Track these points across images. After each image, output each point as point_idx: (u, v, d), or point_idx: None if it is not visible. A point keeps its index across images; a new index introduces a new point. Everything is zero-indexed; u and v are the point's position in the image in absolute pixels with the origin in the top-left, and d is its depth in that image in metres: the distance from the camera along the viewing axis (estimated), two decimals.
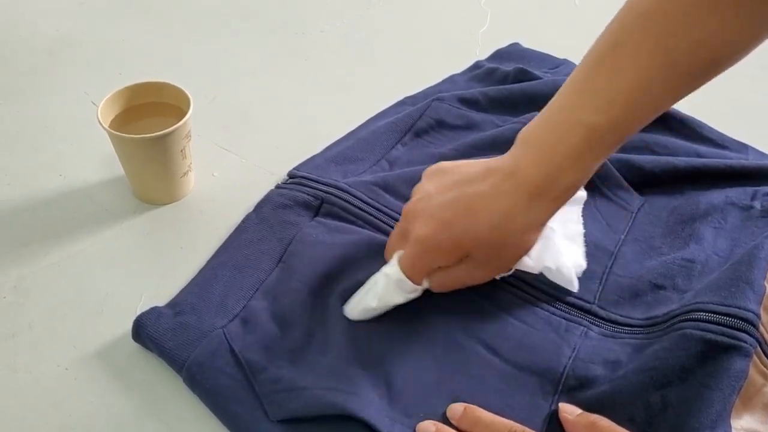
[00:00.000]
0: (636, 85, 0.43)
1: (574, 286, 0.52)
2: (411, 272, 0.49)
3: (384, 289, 0.49)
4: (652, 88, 0.44)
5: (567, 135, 0.45)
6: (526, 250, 0.49)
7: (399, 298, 0.50)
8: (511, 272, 0.53)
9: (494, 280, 0.53)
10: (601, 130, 0.44)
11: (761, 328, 0.45)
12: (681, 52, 0.43)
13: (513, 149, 0.48)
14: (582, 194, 0.55)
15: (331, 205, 0.59)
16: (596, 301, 0.52)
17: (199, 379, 0.47)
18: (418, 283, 0.49)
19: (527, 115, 0.66)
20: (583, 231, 0.55)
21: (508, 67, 0.75)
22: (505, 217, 0.46)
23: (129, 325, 0.51)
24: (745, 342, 0.43)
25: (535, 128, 0.47)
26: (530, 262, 0.51)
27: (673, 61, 0.43)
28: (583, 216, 0.57)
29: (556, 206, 0.48)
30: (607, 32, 0.46)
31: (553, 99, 0.47)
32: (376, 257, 0.54)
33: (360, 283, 0.52)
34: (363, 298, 0.50)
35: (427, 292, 0.51)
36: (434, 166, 0.53)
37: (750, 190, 0.59)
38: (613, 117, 0.44)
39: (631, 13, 0.45)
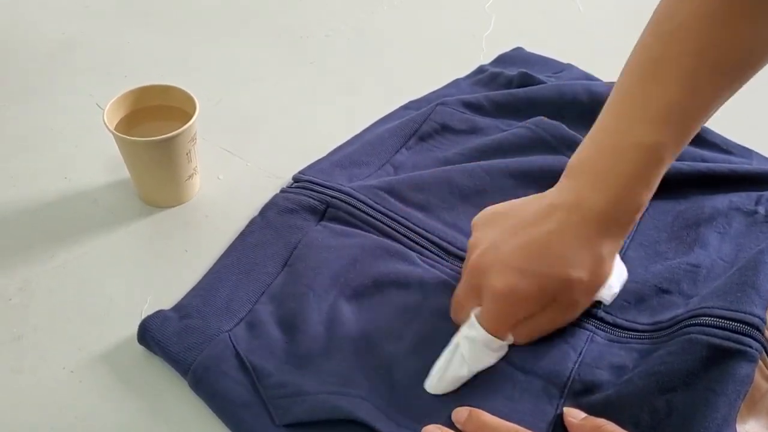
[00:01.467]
0: (685, 94, 0.43)
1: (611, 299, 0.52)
2: (495, 330, 0.46)
3: (471, 353, 0.47)
4: (701, 94, 0.43)
5: (627, 158, 0.44)
6: (605, 280, 0.48)
7: (489, 360, 0.47)
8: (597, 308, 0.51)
9: None
10: (663, 147, 0.44)
11: (767, 333, 0.45)
12: (723, 57, 0.42)
13: (568, 181, 0.47)
14: None
15: (337, 210, 0.59)
16: (602, 306, 0.52)
17: (204, 383, 0.47)
18: (504, 339, 0.47)
19: (532, 120, 0.66)
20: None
21: (512, 71, 0.75)
22: (584, 252, 0.45)
23: (134, 328, 0.51)
24: (751, 347, 0.43)
25: (588, 156, 0.46)
26: (604, 292, 0.49)
27: (716, 66, 0.43)
28: None
29: (628, 230, 0.46)
30: (643, 47, 0.45)
31: (599, 121, 0.46)
32: (381, 261, 0.54)
33: (366, 288, 0.52)
34: (449, 368, 0.47)
35: (429, 296, 0.51)
36: (486, 213, 0.50)
37: (754, 195, 0.59)
38: (670, 131, 0.43)
39: (666, 23, 0.44)
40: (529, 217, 0.47)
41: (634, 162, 0.44)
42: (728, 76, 0.44)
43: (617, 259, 0.52)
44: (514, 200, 0.50)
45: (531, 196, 0.49)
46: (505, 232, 0.47)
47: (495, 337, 0.46)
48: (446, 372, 0.47)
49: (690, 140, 0.46)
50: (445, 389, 0.47)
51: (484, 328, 0.46)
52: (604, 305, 0.51)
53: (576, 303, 0.48)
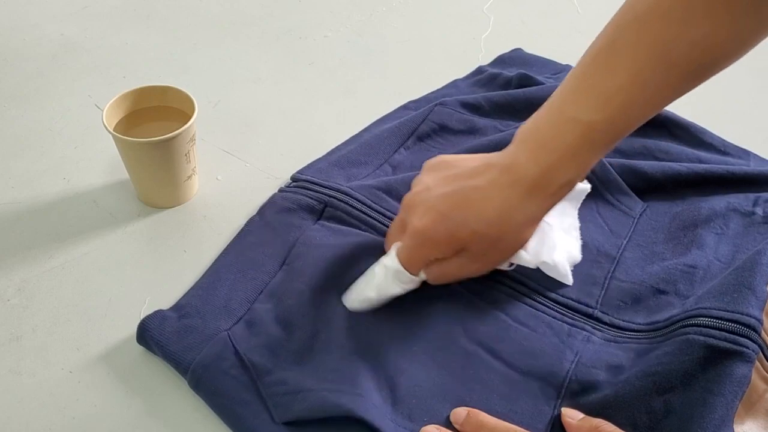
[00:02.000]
0: (632, 84, 0.44)
1: (569, 280, 0.53)
2: (408, 263, 0.50)
3: (382, 280, 0.50)
4: (648, 87, 0.44)
5: (564, 132, 0.46)
6: (521, 244, 0.50)
7: (396, 289, 0.51)
8: (511, 267, 0.53)
9: (496, 283, 0.53)
10: (598, 128, 0.45)
11: (763, 334, 0.45)
12: (676, 54, 0.43)
13: (511, 145, 0.49)
14: (584, 188, 0.55)
15: (335, 209, 0.59)
16: (598, 306, 0.53)
17: (204, 382, 0.47)
18: (415, 275, 0.50)
19: None
20: (579, 225, 0.56)
21: (511, 72, 0.75)
22: (502, 211, 0.47)
23: (133, 329, 0.51)
24: (748, 348, 0.43)
25: (532, 125, 0.48)
26: (527, 257, 0.52)
27: (668, 62, 0.44)
28: (585, 221, 0.58)
29: (552, 202, 0.48)
30: (604, 33, 0.47)
31: (551, 97, 0.48)
32: (378, 259, 0.54)
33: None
34: (362, 289, 0.51)
35: (428, 293, 0.52)
36: (435, 159, 0.53)
37: (752, 196, 0.60)
38: (610, 115, 0.45)
39: (627, 15, 0.45)
40: (466, 170, 0.49)
41: (568, 136, 0.46)
42: (680, 73, 0.44)
43: (570, 241, 0.54)
44: (465, 155, 0.53)
45: (481, 154, 0.51)
46: (441, 178, 0.50)
47: (406, 270, 0.49)
48: (359, 293, 0.51)
49: (630, 131, 0.47)
50: (356, 307, 0.51)
51: (399, 261, 0.50)
52: (596, 302, 0.53)
53: (485, 256, 0.50)
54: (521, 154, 0.48)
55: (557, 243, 0.53)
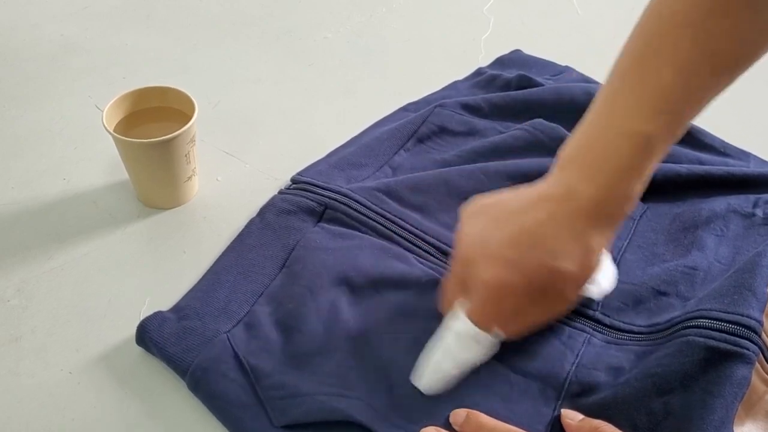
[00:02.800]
0: (680, 84, 0.42)
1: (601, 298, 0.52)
2: (483, 322, 0.45)
3: (458, 347, 0.46)
4: (696, 84, 0.42)
5: (619, 147, 0.43)
6: (591, 274, 0.46)
7: (478, 355, 0.46)
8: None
9: None
10: (655, 134, 0.42)
11: (764, 336, 0.45)
12: (720, 47, 0.42)
13: (558, 172, 0.45)
14: None
15: (335, 211, 0.59)
16: (599, 308, 0.53)
17: (202, 384, 0.47)
18: (492, 333, 0.45)
19: (530, 122, 0.66)
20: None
21: (511, 73, 0.75)
22: (577, 241, 0.43)
23: (133, 330, 0.51)
24: (748, 349, 0.43)
25: (578, 146, 0.45)
26: (593, 288, 0.49)
27: (712, 56, 0.42)
28: None
29: (617, 223, 0.45)
30: (637, 38, 0.44)
31: (591, 112, 0.45)
32: (378, 262, 0.54)
33: (364, 289, 0.52)
34: (438, 363, 0.46)
35: (425, 296, 0.52)
36: (472, 205, 0.49)
37: (752, 197, 0.60)
38: (663, 120, 0.42)
39: (659, 17, 0.43)
40: (518, 207, 0.45)
41: (626, 152, 0.43)
42: (725, 67, 0.43)
43: (608, 260, 0.51)
44: (502, 192, 0.48)
45: (521, 188, 0.47)
46: (493, 222, 0.46)
47: (483, 330, 0.45)
48: (435, 368, 0.46)
49: (683, 132, 0.45)
50: (435, 386, 0.46)
51: (471, 322, 0.45)
52: (597, 304, 0.52)
53: (565, 296, 0.46)
54: (574, 178, 0.44)
55: (605, 268, 0.50)
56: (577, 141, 0.45)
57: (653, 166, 0.44)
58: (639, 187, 0.44)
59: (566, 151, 0.46)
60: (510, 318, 0.46)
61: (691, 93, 0.43)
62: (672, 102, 0.42)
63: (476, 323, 0.45)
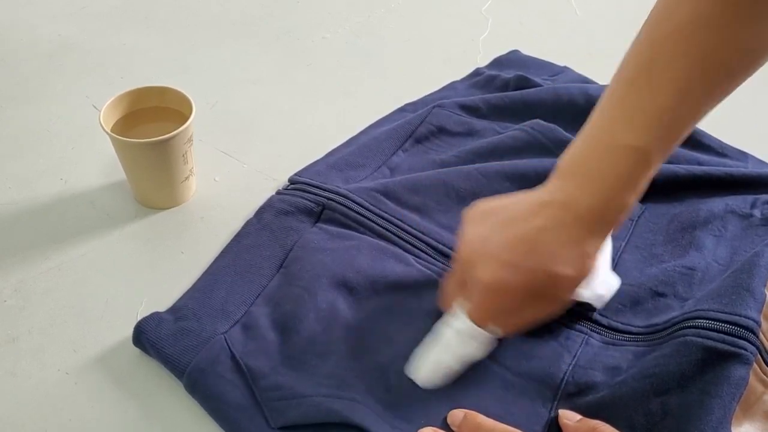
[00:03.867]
0: (679, 100, 0.43)
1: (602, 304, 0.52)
2: (482, 320, 0.46)
3: (457, 344, 0.47)
4: (694, 99, 0.43)
5: (616, 160, 0.44)
6: (585, 278, 0.47)
7: (476, 352, 0.47)
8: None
9: None
10: (650, 149, 0.43)
11: (761, 336, 0.45)
12: (721, 60, 0.42)
13: (556, 179, 0.47)
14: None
15: (333, 212, 0.59)
16: (597, 309, 0.53)
17: (200, 385, 0.47)
18: (489, 330, 0.47)
19: (528, 122, 0.66)
20: (611, 250, 0.53)
21: (509, 74, 0.75)
22: (575, 248, 0.45)
23: (130, 331, 0.51)
24: (745, 350, 0.43)
25: (579, 157, 0.46)
26: (586, 293, 0.50)
27: (713, 70, 0.42)
28: None
29: (611, 230, 0.47)
30: (638, 49, 0.45)
31: (590, 123, 0.46)
32: (376, 263, 0.54)
33: (362, 290, 0.52)
34: (437, 358, 0.47)
35: (423, 297, 0.51)
36: (474, 209, 0.50)
37: (750, 198, 0.60)
38: (660, 135, 0.43)
39: (663, 26, 0.44)
40: (519, 213, 0.47)
41: (623, 165, 0.44)
42: (721, 80, 0.43)
43: (608, 269, 0.52)
44: (504, 197, 0.50)
45: (521, 193, 0.49)
46: (495, 226, 0.47)
47: (480, 327, 0.46)
48: (434, 363, 0.47)
49: (679, 144, 0.46)
50: (432, 380, 0.47)
51: (471, 320, 0.47)
52: (596, 309, 0.51)
53: (560, 297, 0.48)
54: (574, 188, 0.45)
55: (602, 273, 0.51)
56: (575, 151, 0.46)
57: (649, 177, 0.45)
58: (634, 197, 0.45)
59: (565, 160, 0.47)
60: (507, 317, 0.47)
61: (686, 108, 0.43)
62: (668, 118, 0.43)
63: (475, 321, 0.47)
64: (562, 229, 0.45)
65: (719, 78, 0.43)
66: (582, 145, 0.46)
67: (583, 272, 0.47)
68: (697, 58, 0.42)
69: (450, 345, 0.47)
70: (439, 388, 0.47)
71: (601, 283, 0.51)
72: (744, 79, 0.44)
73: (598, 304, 0.51)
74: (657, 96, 0.43)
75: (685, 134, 0.45)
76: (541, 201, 0.46)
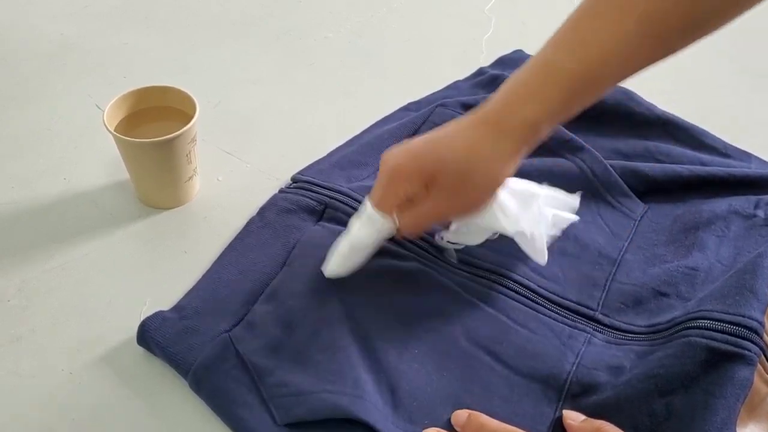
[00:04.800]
0: (609, 42, 0.45)
1: (543, 258, 0.53)
2: (379, 203, 0.50)
3: (357, 230, 0.51)
4: (625, 48, 0.45)
5: (532, 72, 0.48)
6: (492, 183, 0.49)
7: (369, 238, 0.51)
8: (495, 236, 0.54)
9: (496, 285, 0.53)
10: (570, 75, 0.46)
11: (765, 337, 0.45)
12: (654, 17, 0.44)
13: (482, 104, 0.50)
14: (573, 203, 0.56)
15: (335, 210, 0.59)
16: (599, 309, 0.53)
17: (205, 383, 0.47)
18: (388, 214, 0.50)
19: None
20: (571, 221, 0.55)
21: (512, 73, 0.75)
22: (469, 143, 0.48)
23: (133, 330, 0.51)
24: (749, 350, 0.44)
25: (512, 79, 0.50)
26: (504, 222, 0.51)
27: (645, 25, 0.44)
28: (587, 222, 0.58)
29: (519, 145, 0.48)
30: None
31: (534, 56, 0.49)
32: (377, 261, 0.54)
33: (363, 287, 0.52)
34: (340, 248, 0.51)
35: (429, 295, 0.51)
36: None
37: (753, 198, 0.60)
38: (585, 67, 0.46)
39: None
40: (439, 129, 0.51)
41: (536, 76, 0.47)
42: (657, 36, 0.45)
43: (542, 221, 0.53)
44: None
45: None
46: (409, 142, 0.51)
47: (379, 211, 0.50)
48: (337, 251, 0.51)
49: (606, 88, 0.48)
50: (335, 269, 0.52)
51: (371, 204, 0.50)
52: (597, 304, 0.52)
53: (456, 193, 0.49)
54: (491, 98, 0.49)
55: (541, 218, 0.52)
56: (510, 79, 0.50)
57: (560, 102, 0.47)
58: (539, 112, 0.47)
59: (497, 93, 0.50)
60: (405, 205, 0.50)
61: (618, 54, 0.46)
62: (596, 54, 0.46)
63: (374, 206, 0.50)
64: (464, 130, 0.49)
65: (652, 34, 0.45)
66: (521, 70, 0.49)
67: (481, 169, 0.48)
68: (630, 13, 0.44)
69: (350, 232, 0.51)
70: (441, 388, 0.47)
71: (531, 223, 0.52)
72: (682, 43, 0.46)
73: (517, 239, 0.52)
74: (590, 36, 0.46)
75: (612, 81, 0.48)
76: (458, 120, 0.50)
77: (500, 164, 0.49)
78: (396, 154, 0.50)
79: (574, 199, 0.56)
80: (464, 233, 0.54)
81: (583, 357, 0.49)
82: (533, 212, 0.52)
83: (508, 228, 0.51)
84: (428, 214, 0.51)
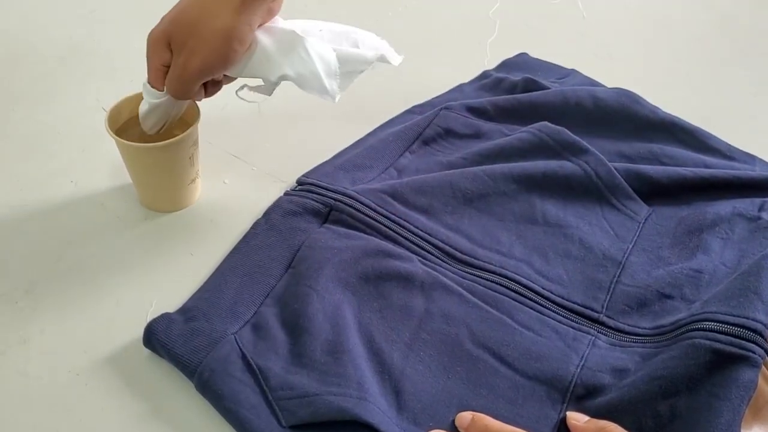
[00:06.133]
0: None
1: (332, 97, 0.56)
2: (149, 77, 0.56)
3: (144, 105, 0.57)
4: None
5: None
6: (223, 34, 0.52)
7: (145, 104, 0.57)
8: (275, 83, 0.57)
9: (500, 287, 0.54)
10: None
11: None
12: None
13: None
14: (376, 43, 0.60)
15: (340, 213, 0.59)
16: (604, 311, 0.53)
17: (210, 385, 0.47)
18: (156, 85, 0.55)
19: (536, 125, 0.66)
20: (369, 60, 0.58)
21: (516, 76, 0.75)
22: (197, 2, 0.52)
23: (140, 332, 0.51)
24: (754, 353, 0.44)
25: None
26: (266, 67, 0.55)
27: None
28: (591, 225, 0.58)
29: (249, 5, 0.51)
30: None
31: None
32: (383, 264, 0.55)
33: (368, 290, 0.53)
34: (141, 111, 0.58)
35: (434, 297, 0.52)
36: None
37: (757, 201, 0.60)
38: None
39: None
40: None
41: None
42: None
43: (322, 45, 0.56)
44: None
45: None
46: None
47: (149, 83, 0.56)
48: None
49: None
50: (143, 124, 0.58)
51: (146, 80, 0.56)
52: (602, 306, 0.52)
53: (193, 46, 0.52)
54: None
55: (311, 59, 0.54)
56: None
57: None
58: None
59: None
60: (168, 75, 0.54)
61: None
62: None
63: (147, 81, 0.56)
64: None
65: None
66: None
67: (208, 20, 0.51)
68: None
69: (141, 108, 0.57)
70: (445, 390, 0.47)
71: (295, 64, 0.54)
72: None
73: (296, 83, 0.55)
74: None
75: None
76: None
77: (227, 15, 0.51)
78: (151, 30, 0.54)
79: (377, 41, 0.59)
80: (257, 88, 0.58)
81: (588, 359, 0.49)
82: (299, 55, 0.54)
83: (270, 74, 0.55)
84: (179, 75, 0.54)
